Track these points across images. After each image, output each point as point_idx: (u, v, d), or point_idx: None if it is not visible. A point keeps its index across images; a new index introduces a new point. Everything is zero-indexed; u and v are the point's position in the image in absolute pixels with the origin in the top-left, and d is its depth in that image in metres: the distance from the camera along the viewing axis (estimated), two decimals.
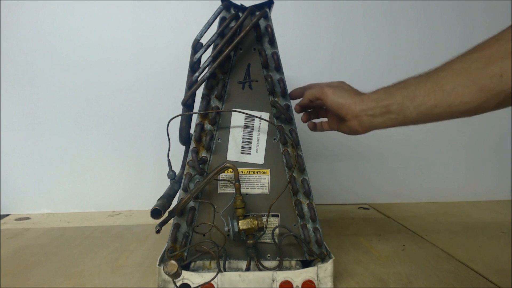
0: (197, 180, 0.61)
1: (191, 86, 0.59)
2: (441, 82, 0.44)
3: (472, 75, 0.42)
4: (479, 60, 0.42)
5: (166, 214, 0.57)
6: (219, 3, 0.58)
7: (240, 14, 0.59)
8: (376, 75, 1.16)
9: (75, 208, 1.13)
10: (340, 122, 0.57)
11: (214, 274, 0.55)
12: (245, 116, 0.61)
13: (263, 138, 0.62)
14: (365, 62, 1.15)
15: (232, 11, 0.59)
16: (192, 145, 0.61)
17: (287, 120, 0.61)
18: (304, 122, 0.66)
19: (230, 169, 0.58)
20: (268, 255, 0.63)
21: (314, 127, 0.66)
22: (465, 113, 0.44)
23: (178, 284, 0.55)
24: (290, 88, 0.63)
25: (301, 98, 0.62)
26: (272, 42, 0.60)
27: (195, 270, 0.62)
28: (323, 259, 0.62)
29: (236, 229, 0.57)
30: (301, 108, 0.64)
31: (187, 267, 0.62)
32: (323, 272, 0.59)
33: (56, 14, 1.05)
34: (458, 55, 0.45)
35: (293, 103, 0.64)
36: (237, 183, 0.58)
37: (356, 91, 0.56)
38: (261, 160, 0.62)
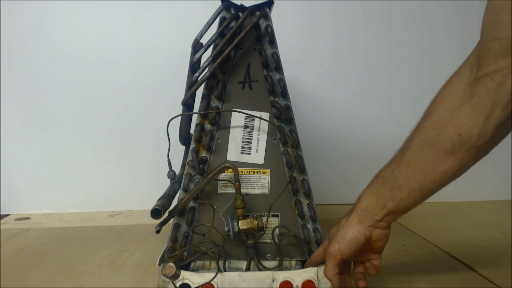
0: (197, 180, 0.61)
1: (191, 86, 0.59)
2: (412, 162, 0.44)
3: (434, 144, 0.42)
4: (432, 126, 0.43)
5: (166, 214, 0.57)
6: (219, 3, 0.58)
7: (240, 14, 0.59)
8: (376, 74, 1.16)
9: (75, 208, 1.13)
10: (366, 252, 0.53)
11: (214, 274, 0.55)
12: (245, 116, 0.61)
13: (263, 138, 0.62)
14: (365, 62, 1.15)
15: (232, 11, 0.59)
16: (192, 145, 0.61)
17: (287, 120, 0.61)
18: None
19: (230, 169, 0.58)
20: (268, 255, 0.63)
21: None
22: (453, 178, 0.44)
23: (178, 284, 0.55)
24: (290, 88, 0.63)
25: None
26: (272, 42, 0.60)
27: (195, 270, 0.62)
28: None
29: (236, 229, 0.57)
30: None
31: (187, 267, 0.62)
32: (323, 272, 0.58)
33: (56, 14, 1.05)
34: (414, 127, 0.46)
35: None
36: (237, 183, 0.58)
37: (346, 220, 0.52)
38: (261, 160, 0.62)
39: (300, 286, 0.57)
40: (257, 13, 0.58)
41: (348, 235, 0.49)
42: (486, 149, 0.42)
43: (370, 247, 0.51)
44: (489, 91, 0.38)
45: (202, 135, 0.61)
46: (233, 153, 0.62)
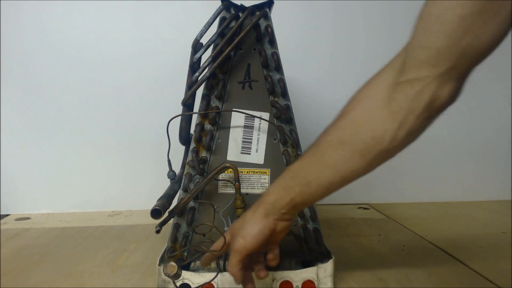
0: (197, 180, 0.61)
1: (191, 86, 0.59)
2: (323, 159, 0.44)
3: (348, 144, 0.42)
4: (348, 126, 0.43)
5: (166, 214, 0.57)
6: (219, 3, 0.58)
7: (240, 14, 0.59)
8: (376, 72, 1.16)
9: (75, 208, 1.13)
10: (266, 242, 0.50)
11: (214, 274, 0.55)
12: (245, 116, 0.61)
13: (263, 138, 0.62)
14: (365, 62, 1.15)
15: (232, 11, 0.59)
16: (192, 145, 0.61)
17: (287, 120, 0.61)
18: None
19: (230, 169, 0.58)
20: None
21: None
22: (359, 176, 0.44)
23: (178, 284, 0.55)
24: (290, 88, 0.63)
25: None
26: (272, 42, 0.60)
27: (195, 270, 0.62)
28: (323, 259, 0.62)
29: None
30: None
31: (187, 267, 0.62)
32: (323, 272, 0.58)
33: (56, 14, 1.05)
34: (329, 124, 0.45)
35: None
36: (237, 183, 0.58)
37: (252, 214, 0.50)
38: (261, 160, 0.62)
39: (300, 286, 0.57)
40: (257, 13, 0.58)
41: (255, 230, 0.48)
42: (393, 153, 0.42)
43: (271, 238, 0.51)
44: (407, 98, 0.39)
45: (202, 135, 0.61)
46: (233, 153, 0.62)
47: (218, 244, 0.52)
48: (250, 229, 0.48)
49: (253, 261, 0.53)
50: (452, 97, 0.39)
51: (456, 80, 0.38)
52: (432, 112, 0.39)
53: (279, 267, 0.59)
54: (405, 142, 0.41)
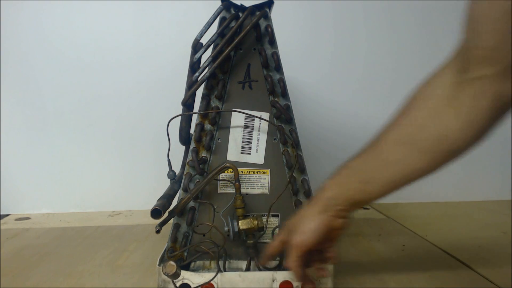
0: (197, 180, 0.61)
1: (191, 86, 0.59)
2: (385, 156, 0.44)
3: (411, 142, 0.42)
4: (410, 124, 0.43)
5: (166, 214, 0.57)
6: (219, 3, 0.58)
7: (240, 14, 0.59)
8: (376, 75, 1.16)
9: (75, 208, 1.13)
10: (324, 240, 0.51)
11: (214, 274, 0.55)
12: (245, 116, 0.61)
13: (263, 138, 0.62)
14: (365, 62, 1.15)
15: (232, 11, 0.59)
16: (192, 145, 0.61)
17: (287, 120, 0.61)
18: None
19: (230, 169, 0.58)
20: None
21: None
22: (423, 176, 0.44)
23: (178, 284, 0.55)
24: (290, 88, 0.63)
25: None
26: (272, 42, 0.60)
27: (195, 270, 0.62)
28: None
29: (236, 229, 0.57)
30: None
31: (187, 267, 0.62)
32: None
33: (56, 14, 1.05)
34: (388, 122, 0.45)
35: None
36: (237, 183, 0.58)
37: (308, 210, 0.50)
38: (261, 160, 0.62)
39: (300, 286, 0.57)
40: (257, 13, 0.58)
41: (312, 226, 0.48)
42: (460, 153, 0.42)
43: (329, 235, 0.51)
44: (470, 97, 0.39)
45: (202, 135, 0.61)
46: (233, 153, 0.62)
47: (275, 242, 0.52)
48: (308, 225, 0.48)
49: (312, 259, 0.53)
50: None
51: None
52: (498, 110, 0.39)
53: (279, 267, 0.59)
54: (472, 141, 0.41)
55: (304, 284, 0.52)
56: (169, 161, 0.63)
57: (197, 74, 0.59)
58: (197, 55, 0.59)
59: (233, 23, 0.59)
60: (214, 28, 0.59)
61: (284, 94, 0.61)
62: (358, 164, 0.47)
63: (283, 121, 0.62)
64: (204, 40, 0.59)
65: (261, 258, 0.56)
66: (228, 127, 0.62)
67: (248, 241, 0.59)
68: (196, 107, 0.62)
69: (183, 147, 0.68)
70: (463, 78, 0.39)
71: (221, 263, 0.59)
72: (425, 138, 0.41)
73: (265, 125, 0.62)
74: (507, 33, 0.34)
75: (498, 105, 0.38)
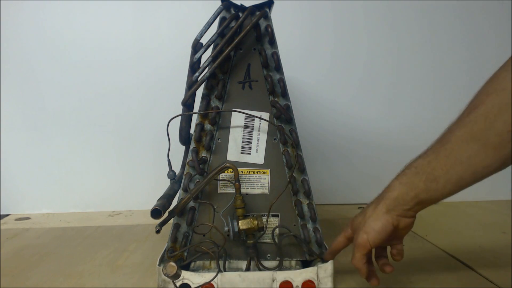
0: (197, 180, 0.61)
1: (191, 86, 0.59)
2: (453, 154, 0.44)
3: (480, 138, 0.42)
4: (479, 120, 0.42)
5: (166, 214, 0.57)
6: (219, 3, 0.58)
7: (240, 14, 0.59)
8: (376, 75, 1.16)
9: (75, 208, 1.13)
10: (389, 238, 0.52)
11: (214, 274, 0.55)
12: (245, 116, 0.61)
13: (263, 138, 0.62)
14: (366, 62, 1.15)
15: (232, 11, 0.59)
16: (192, 145, 0.61)
17: (287, 120, 0.61)
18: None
19: (230, 169, 0.58)
20: (268, 255, 0.63)
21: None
22: (493, 173, 0.43)
23: (178, 284, 0.55)
24: (290, 88, 0.63)
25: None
26: (272, 42, 0.60)
27: (195, 270, 0.62)
28: (323, 259, 0.62)
29: (236, 229, 0.57)
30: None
31: (187, 267, 0.62)
32: (323, 272, 0.58)
33: (56, 14, 1.05)
34: (455, 120, 0.45)
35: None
36: (237, 183, 0.58)
37: (373, 209, 0.51)
38: (261, 160, 0.62)
39: (300, 286, 0.57)
40: (257, 13, 0.58)
41: (378, 225, 0.49)
42: None
43: (394, 234, 0.51)
44: None
45: (202, 135, 0.61)
46: (233, 153, 0.62)
47: (340, 238, 0.54)
48: (373, 225, 0.49)
49: (377, 255, 0.55)
50: None
51: None
52: None
53: (279, 267, 0.59)
54: None
55: (369, 279, 0.53)
56: (169, 161, 0.63)
57: (197, 74, 0.59)
58: (197, 55, 0.59)
59: (233, 23, 0.59)
60: (214, 28, 0.59)
61: (284, 94, 0.62)
62: (424, 163, 0.47)
63: (283, 121, 0.62)
64: (204, 40, 0.59)
65: (325, 253, 0.59)
66: (228, 127, 0.62)
67: (248, 241, 0.59)
68: (196, 107, 0.62)
69: (183, 147, 0.68)
70: None
71: (221, 263, 0.59)
72: (497, 134, 0.41)
73: (265, 125, 0.62)
74: None
75: None
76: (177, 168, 0.69)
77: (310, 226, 0.63)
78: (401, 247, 0.54)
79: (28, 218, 1.07)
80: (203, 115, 0.61)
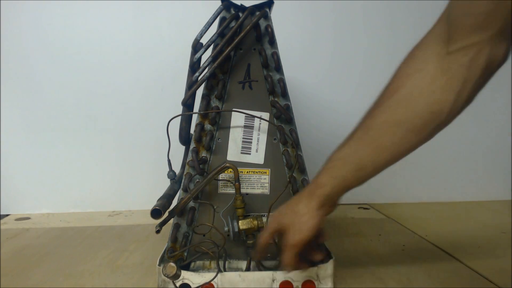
0: (197, 180, 0.61)
1: (191, 86, 0.59)
2: (378, 141, 0.44)
3: (404, 122, 0.42)
4: (400, 105, 0.42)
5: (166, 214, 0.57)
6: (219, 3, 0.58)
7: (240, 14, 0.59)
8: (376, 75, 1.15)
9: (75, 208, 1.13)
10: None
11: (214, 274, 0.55)
12: (245, 116, 0.61)
13: (263, 138, 0.62)
14: (366, 62, 1.14)
15: (232, 11, 0.59)
16: (192, 145, 0.61)
17: (287, 120, 0.61)
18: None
19: (230, 169, 0.58)
20: (268, 255, 0.63)
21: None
22: (414, 150, 0.44)
23: (178, 284, 0.55)
24: (290, 88, 0.63)
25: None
26: (272, 42, 0.60)
27: (195, 270, 0.62)
28: (323, 259, 0.62)
29: (236, 229, 0.57)
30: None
31: (187, 267, 0.62)
32: (323, 272, 0.58)
33: (56, 14, 1.05)
34: (374, 104, 0.45)
35: None
36: (237, 183, 0.58)
37: (305, 206, 0.49)
38: (261, 160, 0.62)
39: (300, 286, 0.57)
40: (257, 13, 0.58)
41: (312, 223, 0.48)
42: (448, 123, 0.42)
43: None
44: (462, 67, 0.38)
45: (202, 135, 0.61)
46: (233, 153, 0.62)
47: (266, 235, 0.52)
48: (308, 224, 0.48)
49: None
50: (506, 56, 0.39)
51: (507, 38, 0.37)
52: (487, 75, 0.39)
53: (279, 267, 0.59)
54: (462, 110, 0.41)
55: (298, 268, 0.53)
56: (169, 161, 0.63)
57: (197, 74, 0.59)
58: (197, 55, 0.59)
59: (233, 23, 0.59)
60: (214, 28, 0.59)
61: (284, 94, 0.62)
62: (349, 153, 0.46)
63: (283, 121, 0.62)
64: (204, 40, 0.59)
65: (254, 253, 0.57)
66: (228, 127, 0.62)
67: (248, 241, 0.59)
68: (196, 107, 0.62)
69: (183, 147, 0.68)
70: (452, 48, 0.38)
71: (221, 263, 0.59)
72: (417, 116, 0.41)
73: (265, 125, 0.62)
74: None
75: (488, 71, 0.38)
76: (177, 168, 0.69)
77: None
78: (325, 233, 0.54)
79: (28, 218, 1.07)
80: (203, 115, 0.61)
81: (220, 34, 0.58)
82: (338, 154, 0.48)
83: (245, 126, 0.62)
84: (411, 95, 0.41)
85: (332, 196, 0.48)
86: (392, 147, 0.43)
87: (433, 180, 1.23)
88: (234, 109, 0.61)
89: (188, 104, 0.62)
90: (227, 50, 0.57)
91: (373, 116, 0.44)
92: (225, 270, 0.58)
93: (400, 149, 0.43)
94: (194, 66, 0.60)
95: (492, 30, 0.36)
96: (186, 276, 0.56)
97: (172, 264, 0.47)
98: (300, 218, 0.49)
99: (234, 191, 0.59)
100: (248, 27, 0.57)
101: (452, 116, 0.41)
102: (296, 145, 0.61)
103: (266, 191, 0.62)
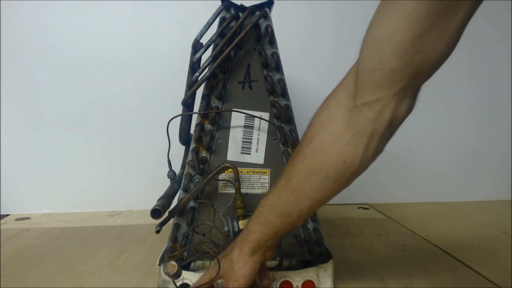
0: (197, 180, 0.61)
1: (191, 86, 0.59)
2: (299, 188, 0.45)
3: (320, 171, 0.42)
4: (315, 153, 0.43)
5: (166, 214, 0.57)
6: (219, 3, 0.58)
7: (240, 14, 0.59)
8: None
9: (75, 208, 1.13)
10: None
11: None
12: (245, 116, 0.61)
13: (263, 138, 0.62)
14: None
15: (232, 11, 0.59)
16: (192, 145, 0.61)
17: (287, 120, 0.61)
18: None
19: (230, 169, 0.58)
20: None
21: None
22: (334, 196, 0.45)
23: (178, 284, 0.55)
24: (290, 88, 0.63)
25: None
26: (272, 42, 0.60)
27: (195, 270, 0.62)
28: (323, 259, 0.62)
29: (236, 229, 0.57)
30: None
31: (187, 267, 0.62)
32: (323, 272, 0.58)
33: (56, 14, 1.05)
34: (295, 152, 0.46)
35: None
36: (237, 183, 0.58)
37: (238, 253, 0.51)
38: (261, 160, 0.62)
39: (300, 286, 0.57)
40: (257, 13, 0.58)
41: (247, 270, 0.49)
42: (362, 172, 0.43)
43: (260, 267, 0.52)
44: (368, 120, 0.39)
45: (202, 135, 0.61)
46: (233, 153, 0.62)
47: (205, 279, 0.51)
48: (242, 271, 0.49)
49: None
50: (409, 111, 0.40)
51: (411, 96, 0.39)
52: (392, 128, 0.40)
53: (279, 267, 0.59)
54: (373, 160, 0.42)
55: None
56: (169, 161, 0.63)
57: (197, 74, 0.59)
58: (197, 55, 0.59)
59: (233, 23, 0.58)
60: (214, 28, 0.59)
61: (284, 94, 0.62)
62: (275, 199, 0.47)
63: (283, 121, 0.62)
64: (204, 40, 0.59)
65: None
66: (228, 127, 0.62)
67: None
68: (196, 107, 0.62)
69: (183, 147, 0.68)
70: (359, 102, 0.39)
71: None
72: (331, 166, 0.42)
73: (265, 125, 0.62)
74: (410, 58, 0.35)
75: (393, 125, 0.40)
76: (177, 168, 0.69)
77: (310, 226, 0.63)
78: (268, 273, 0.55)
79: (28, 218, 1.07)
80: (203, 115, 0.61)
81: (220, 34, 0.58)
82: (266, 200, 0.49)
83: (245, 126, 0.62)
84: (324, 145, 0.42)
85: (263, 243, 0.49)
86: (311, 194, 0.44)
87: (433, 180, 1.23)
88: (234, 109, 0.61)
89: (188, 104, 0.62)
90: (227, 50, 0.57)
91: (294, 164, 0.45)
92: None
93: (318, 196, 0.44)
94: (194, 66, 0.60)
95: (397, 86, 0.37)
96: (186, 276, 0.56)
97: (173, 262, 0.47)
98: (234, 266, 0.50)
99: (234, 191, 0.59)
100: (248, 27, 0.57)
101: (365, 165, 0.42)
102: (296, 145, 0.61)
103: (266, 191, 0.62)
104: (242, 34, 0.57)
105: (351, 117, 0.40)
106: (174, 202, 0.60)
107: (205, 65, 0.58)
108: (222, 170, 0.58)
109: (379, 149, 0.41)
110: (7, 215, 1.11)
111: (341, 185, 0.43)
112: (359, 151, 0.40)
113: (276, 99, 0.61)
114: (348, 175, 0.42)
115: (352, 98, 0.40)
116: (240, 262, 0.50)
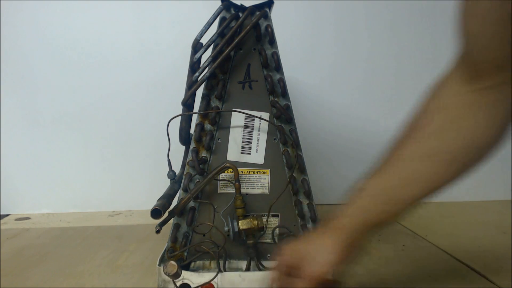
0: (197, 180, 0.61)
1: (191, 86, 0.59)
2: (407, 174, 0.43)
3: (434, 155, 0.41)
4: (431, 137, 0.42)
5: (166, 214, 0.57)
6: (219, 3, 0.58)
7: (240, 14, 0.59)
8: (377, 75, 1.16)
9: (75, 208, 1.13)
10: None
11: (214, 274, 0.55)
12: (245, 116, 0.61)
13: (263, 138, 0.62)
14: (366, 63, 1.14)
15: (232, 11, 0.59)
16: (192, 145, 0.61)
17: (287, 120, 0.61)
18: None
19: (230, 169, 0.58)
20: (268, 255, 0.63)
21: None
22: (448, 187, 0.43)
23: (178, 284, 0.55)
24: (290, 88, 0.63)
25: None
26: (272, 42, 0.60)
27: (195, 270, 0.62)
28: None
29: (236, 229, 0.57)
30: None
31: (187, 267, 0.62)
32: None
33: (56, 14, 1.05)
34: (399, 139, 0.44)
35: None
36: (237, 183, 0.58)
37: (330, 233, 0.46)
38: (261, 160, 0.62)
39: None
40: (257, 13, 0.58)
41: (332, 259, 0.44)
42: (486, 158, 0.42)
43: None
44: (493, 104, 0.39)
45: (202, 135, 0.61)
46: (233, 153, 0.62)
47: (281, 267, 0.47)
48: (328, 257, 0.44)
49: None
50: None
51: None
52: None
53: None
54: (496, 145, 0.41)
55: None
56: (169, 161, 0.63)
57: (197, 74, 0.59)
58: (197, 55, 0.59)
59: (233, 23, 0.58)
60: (214, 28, 0.59)
61: (284, 94, 0.61)
62: (376, 185, 0.45)
63: (283, 121, 0.62)
64: (204, 40, 0.59)
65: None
66: (228, 127, 0.62)
67: (248, 241, 0.59)
68: (196, 107, 0.62)
69: (183, 147, 0.68)
70: (477, 87, 0.39)
71: (221, 263, 0.59)
72: (450, 150, 0.41)
73: (265, 125, 0.62)
74: (508, 43, 0.34)
75: None
76: (177, 168, 0.69)
77: (310, 226, 0.63)
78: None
79: (28, 218, 1.07)
80: (203, 115, 0.61)
81: (220, 34, 0.58)
82: (366, 185, 0.46)
83: (245, 126, 0.62)
84: (442, 128, 0.41)
85: (359, 231, 0.45)
86: (422, 179, 0.42)
87: None
88: (234, 109, 0.61)
89: (188, 104, 0.62)
90: (227, 50, 0.57)
91: (399, 148, 0.44)
92: (225, 270, 0.58)
93: (431, 183, 0.42)
94: (194, 66, 0.60)
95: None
96: (186, 276, 0.56)
97: (173, 262, 0.47)
98: (320, 250, 0.45)
99: (234, 191, 0.59)
100: (248, 27, 0.57)
101: (487, 150, 0.41)
102: (296, 145, 0.61)
103: (266, 191, 0.62)
104: (242, 34, 0.57)
105: (472, 101, 0.40)
106: (174, 202, 0.60)
107: (205, 65, 0.58)
108: (222, 170, 0.58)
109: (503, 130, 0.40)
110: (7, 215, 1.11)
111: (455, 171, 0.42)
112: (481, 135, 0.40)
113: (276, 99, 0.61)
114: (472, 158, 0.41)
115: (466, 84, 0.40)
116: (329, 248, 0.44)
